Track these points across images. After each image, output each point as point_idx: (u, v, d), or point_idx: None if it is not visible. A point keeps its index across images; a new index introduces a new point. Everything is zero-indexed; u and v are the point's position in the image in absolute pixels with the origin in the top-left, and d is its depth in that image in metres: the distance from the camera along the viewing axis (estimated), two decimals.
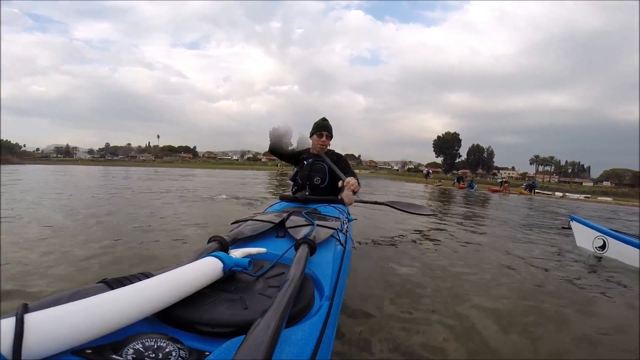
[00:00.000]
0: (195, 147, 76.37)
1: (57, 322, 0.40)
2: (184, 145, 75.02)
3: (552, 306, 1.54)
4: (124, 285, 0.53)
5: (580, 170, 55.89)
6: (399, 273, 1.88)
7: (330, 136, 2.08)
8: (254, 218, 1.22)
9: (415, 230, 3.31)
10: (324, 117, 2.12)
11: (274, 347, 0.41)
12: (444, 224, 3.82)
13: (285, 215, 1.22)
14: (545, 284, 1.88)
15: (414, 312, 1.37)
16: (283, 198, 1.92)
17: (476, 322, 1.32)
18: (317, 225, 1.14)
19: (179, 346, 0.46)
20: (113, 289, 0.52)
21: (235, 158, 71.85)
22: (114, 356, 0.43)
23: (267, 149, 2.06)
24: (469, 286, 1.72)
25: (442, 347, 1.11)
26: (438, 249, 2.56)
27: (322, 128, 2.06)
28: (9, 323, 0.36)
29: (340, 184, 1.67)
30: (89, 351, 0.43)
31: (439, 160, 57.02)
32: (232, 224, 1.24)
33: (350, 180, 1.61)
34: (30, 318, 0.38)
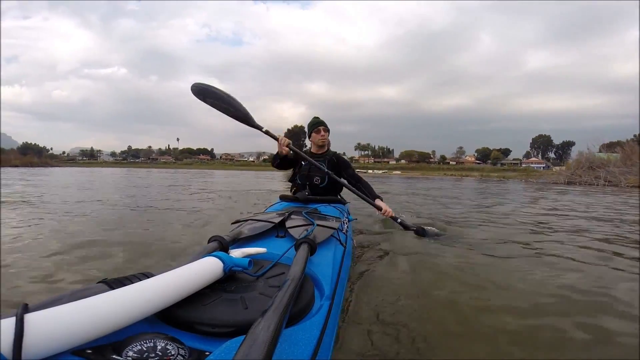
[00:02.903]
0: (212, 149, 78.71)
1: (58, 322, 0.40)
2: (202, 147, 78.33)
3: None
4: (124, 285, 0.53)
5: (387, 152, 78.03)
6: (401, 271, 1.87)
7: (327, 129, 2.12)
8: (254, 218, 1.22)
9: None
10: (315, 116, 2.18)
11: (274, 347, 0.41)
12: None
13: (285, 215, 1.21)
14: None
15: (415, 311, 1.36)
16: (283, 198, 1.92)
17: (479, 317, 1.32)
18: (317, 225, 1.14)
19: (179, 346, 0.46)
20: (113, 289, 0.52)
21: (252, 159, 73.34)
22: (114, 356, 0.43)
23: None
24: (472, 283, 1.72)
25: (444, 347, 1.11)
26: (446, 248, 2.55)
27: (318, 124, 2.12)
28: (9, 323, 0.36)
29: (378, 212, 2.01)
30: (90, 351, 0.43)
31: None
32: (232, 223, 1.24)
33: (387, 211, 1.98)
34: (30, 318, 0.38)
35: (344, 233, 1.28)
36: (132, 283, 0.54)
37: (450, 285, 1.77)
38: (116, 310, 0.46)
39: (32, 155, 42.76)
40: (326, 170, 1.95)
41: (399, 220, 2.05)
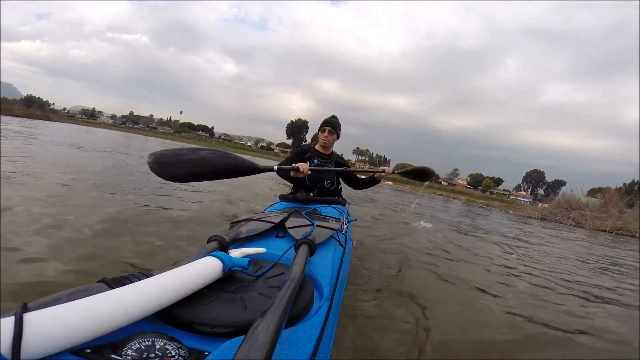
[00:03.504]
0: (212, 128, 78.57)
1: (57, 322, 0.40)
2: (202, 124, 77.63)
3: None
4: (124, 284, 0.53)
5: (383, 161, 77.87)
6: (400, 272, 1.88)
7: (333, 132, 2.02)
8: (253, 218, 1.21)
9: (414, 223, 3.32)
10: (333, 115, 2.11)
11: (273, 347, 0.41)
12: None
13: (285, 215, 1.21)
14: None
15: (415, 312, 1.37)
16: (283, 198, 1.92)
17: (480, 318, 1.32)
18: (317, 225, 1.14)
19: (178, 346, 0.46)
20: (112, 288, 0.51)
21: (250, 144, 73.61)
22: (113, 356, 0.43)
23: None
24: (474, 284, 1.73)
25: (445, 347, 1.11)
26: (440, 247, 2.56)
27: (325, 123, 2.04)
28: (9, 322, 0.36)
29: (378, 176, 2.06)
30: (89, 351, 0.43)
31: (289, 142, 67.53)
32: (232, 223, 1.23)
33: (386, 169, 2.04)
34: (29, 317, 0.38)
35: (343, 234, 1.28)
36: (132, 282, 0.54)
37: (450, 285, 1.77)
38: (115, 310, 0.45)
39: (35, 108, 43.92)
40: (332, 170, 1.95)
41: (396, 172, 2.10)
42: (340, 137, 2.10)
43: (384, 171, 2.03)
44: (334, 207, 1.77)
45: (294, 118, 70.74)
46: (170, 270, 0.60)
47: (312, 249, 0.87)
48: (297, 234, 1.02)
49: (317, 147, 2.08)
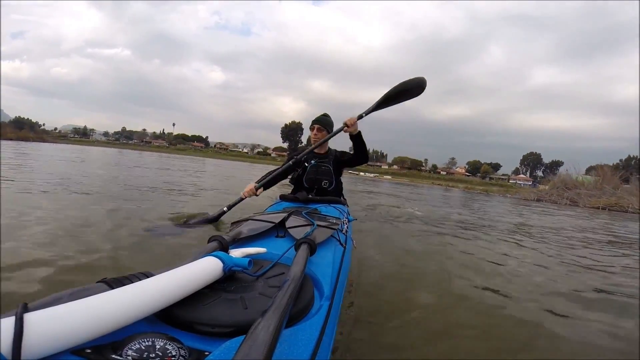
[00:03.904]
0: (207, 137, 78.82)
1: (57, 322, 0.40)
2: (197, 134, 78.74)
3: None
4: (124, 284, 0.53)
5: (380, 156, 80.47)
6: (401, 271, 1.88)
7: (322, 129, 2.04)
8: (253, 218, 1.22)
9: (414, 220, 3.33)
10: (324, 113, 2.13)
11: (274, 347, 0.41)
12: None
13: (285, 215, 1.21)
14: None
15: (417, 311, 1.36)
16: (283, 198, 1.92)
17: (485, 318, 1.32)
18: (317, 225, 1.14)
19: (178, 346, 0.46)
20: (113, 288, 0.51)
21: (246, 151, 74.07)
22: (113, 356, 0.43)
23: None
24: (474, 283, 1.72)
25: (445, 347, 1.11)
26: (440, 247, 2.56)
27: (314, 122, 2.07)
28: (9, 322, 0.36)
29: (345, 129, 1.89)
30: (89, 351, 0.43)
31: (285, 145, 68.17)
32: (232, 223, 1.23)
33: (348, 121, 1.86)
34: (29, 317, 0.38)
35: (343, 233, 1.28)
36: (132, 282, 0.54)
37: (450, 285, 1.77)
38: (115, 310, 0.45)
39: (27, 130, 44.39)
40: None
41: (363, 114, 1.98)
42: (330, 131, 2.11)
43: (346, 125, 1.86)
44: (334, 207, 1.77)
45: (287, 121, 71.31)
46: (171, 271, 0.60)
47: (313, 248, 0.87)
48: (298, 233, 1.02)
49: (316, 152, 2.09)
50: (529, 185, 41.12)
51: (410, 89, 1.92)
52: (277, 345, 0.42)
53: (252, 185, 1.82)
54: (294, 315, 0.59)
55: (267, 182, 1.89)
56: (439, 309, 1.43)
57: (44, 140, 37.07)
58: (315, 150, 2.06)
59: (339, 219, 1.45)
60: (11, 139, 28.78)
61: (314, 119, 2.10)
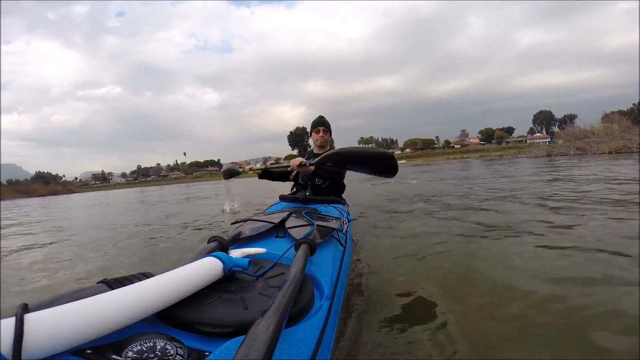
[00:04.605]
0: (219, 160, 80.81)
1: (57, 322, 0.40)
2: (209, 159, 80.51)
3: None
4: (124, 285, 0.53)
5: (390, 143, 78.87)
6: (401, 270, 1.87)
7: (327, 130, 2.12)
8: (253, 218, 1.22)
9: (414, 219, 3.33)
10: (320, 115, 2.18)
11: (274, 347, 0.41)
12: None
13: (285, 215, 1.21)
14: None
15: (417, 311, 1.36)
16: (283, 198, 1.92)
17: (484, 317, 1.32)
18: (317, 225, 1.14)
19: (178, 346, 0.46)
20: (113, 289, 0.52)
21: (259, 165, 74.99)
22: (114, 356, 0.43)
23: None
24: (475, 281, 1.72)
25: (446, 347, 1.11)
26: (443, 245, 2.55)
27: (318, 124, 2.12)
28: (9, 323, 0.36)
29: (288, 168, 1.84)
30: (89, 351, 0.43)
31: (295, 152, 67.85)
32: (232, 224, 1.24)
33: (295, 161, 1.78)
34: (30, 318, 0.38)
35: (343, 233, 1.28)
36: (132, 283, 0.54)
37: (449, 286, 1.77)
38: (116, 311, 0.46)
39: (54, 184, 46.26)
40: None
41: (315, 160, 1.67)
42: (332, 133, 2.18)
43: (289, 165, 1.79)
44: (334, 207, 1.77)
45: (292, 128, 71.34)
46: (171, 271, 0.60)
47: (312, 248, 0.88)
48: (297, 233, 1.02)
49: (314, 149, 2.14)
50: (547, 142, 40.30)
51: (377, 161, 1.56)
52: (277, 345, 0.42)
53: (299, 159, 1.81)
54: (294, 315, 0.59)
55: (274, 174, 2.00)
56: (448, 308, 1.42)
57: (71, 192, 38.81)
58: (315, 151, 2.16)
59: (339, 219, 1.45)
60: (43, 195, 29.98)
61: (314, 121, 2.15)
